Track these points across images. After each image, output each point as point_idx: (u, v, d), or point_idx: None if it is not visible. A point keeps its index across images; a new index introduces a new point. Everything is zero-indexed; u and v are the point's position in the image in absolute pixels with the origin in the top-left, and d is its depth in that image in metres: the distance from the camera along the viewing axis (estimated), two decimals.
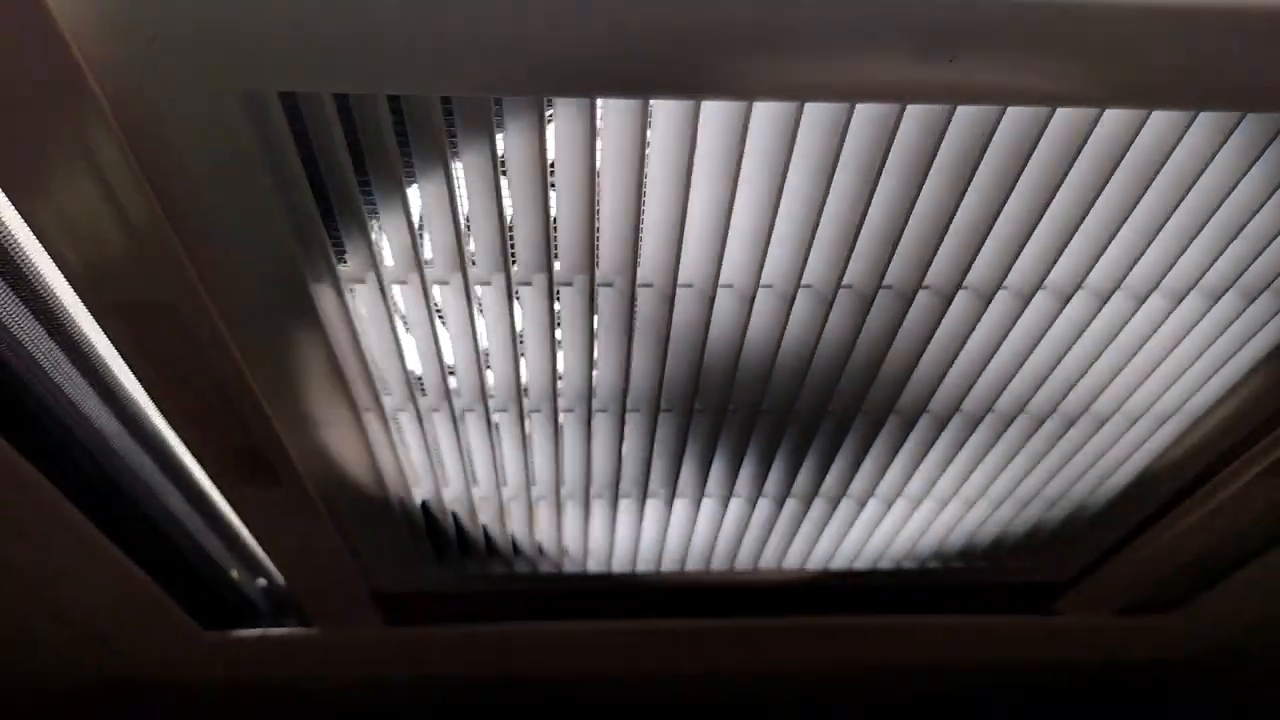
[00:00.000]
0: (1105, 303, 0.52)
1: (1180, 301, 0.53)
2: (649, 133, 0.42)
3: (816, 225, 0.46)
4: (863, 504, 0.73)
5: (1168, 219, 0.47)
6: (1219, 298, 0.53)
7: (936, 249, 0.48)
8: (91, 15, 0.33)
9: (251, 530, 0.69)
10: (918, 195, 0.45)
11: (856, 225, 0.46)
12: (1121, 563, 0.83)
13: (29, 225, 0.42)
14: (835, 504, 0.73)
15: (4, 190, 0.40)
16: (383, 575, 0.79)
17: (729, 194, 0.44)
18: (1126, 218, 0.47)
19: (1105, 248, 0.48)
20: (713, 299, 0.50)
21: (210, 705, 0.96)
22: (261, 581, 0.86)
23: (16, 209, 0.41)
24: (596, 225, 0.46)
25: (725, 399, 0.60)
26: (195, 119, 0.38)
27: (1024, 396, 0.61)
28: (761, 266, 0.48)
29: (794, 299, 0.51)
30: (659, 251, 0.48)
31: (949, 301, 0.51)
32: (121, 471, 0.65)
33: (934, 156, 0.42)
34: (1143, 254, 0.49)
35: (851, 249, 0.47)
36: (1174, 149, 0.43)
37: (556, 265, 0.48)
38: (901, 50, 0.36)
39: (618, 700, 1.03)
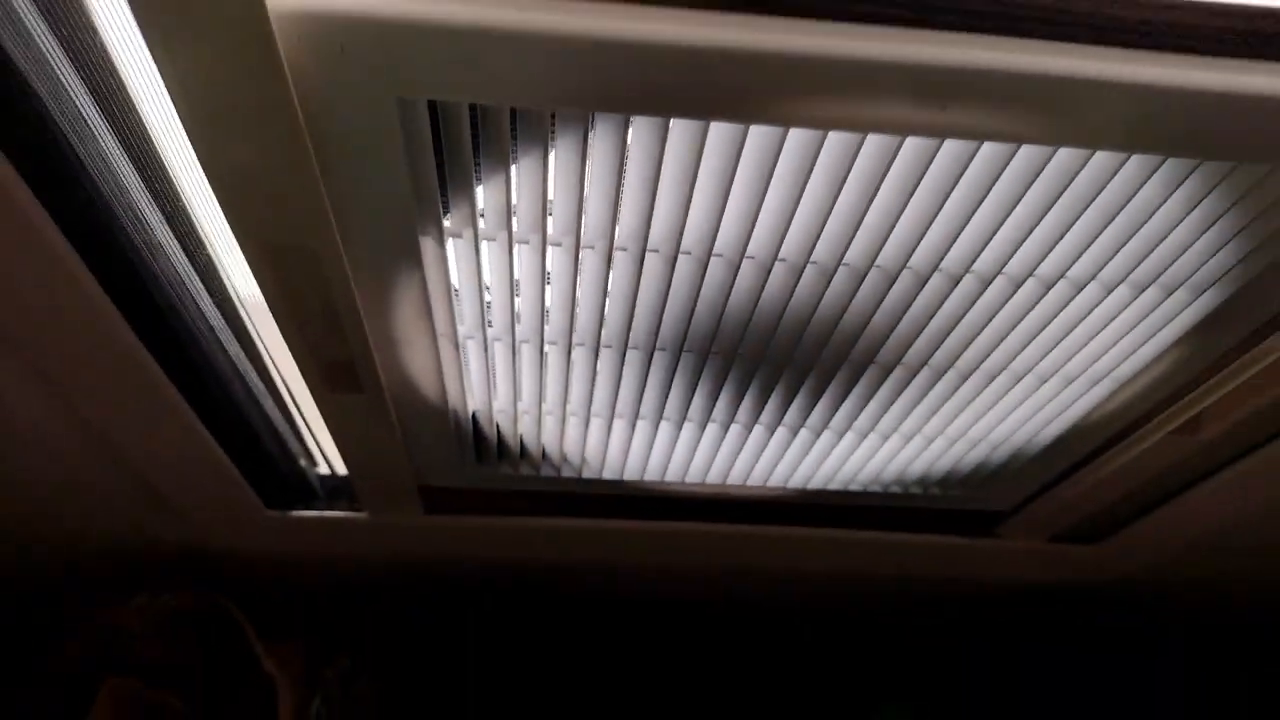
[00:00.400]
0: (1050, 288, 0.65)
1: (1111, 291, 0.65)
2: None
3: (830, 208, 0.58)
4: (840, 435, 0.87)
5: (1104, 227, 0.59)
6: (1143, 290, 0.65)
7: (950, 237, 0.60)
8: (301, 25, 0.44)
9: (330, 427, 0.81)
10: (912, 196, 0.57)
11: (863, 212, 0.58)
12: (1054, 498, 0.97)
13: (207, 172, 0.53)
14: (817, 434, 0.87)
15: (194, 140, 0.51)
16: (430, 471, 0.93)
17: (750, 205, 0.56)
18: (1072, 224, 0.59)
19: (1055, 243, 0.61)
20: (737, 267, 0.63)
21: (267, 576, 1.10)
22: (321, 469, 0.99)
23: (201, 158, 0.52)
24: (652, 209, 0.58)
25: (734, 347, 0.73)
26: (358, 110, 0.49)
27: (980, 356, 0.74)
28: (781, 241, 0.61)
29: (802, 270, 0.63)
30: (693, 225, 0.60)
31: (924, 281, 0.64)
32: (217, 358, 0.77)
33: (926, 168, 0.55)
34: (1084, 251, 0.62)
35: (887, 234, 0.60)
36: (1111, 180, 0.55)
37: (616, 234, 0.60)
38: (905, 101, 0.48)
39: (621, 589, 1.18)
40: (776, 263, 0.63)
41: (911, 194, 0.57)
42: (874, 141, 0.53)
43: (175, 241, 0.66)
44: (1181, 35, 0.47)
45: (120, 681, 1.10)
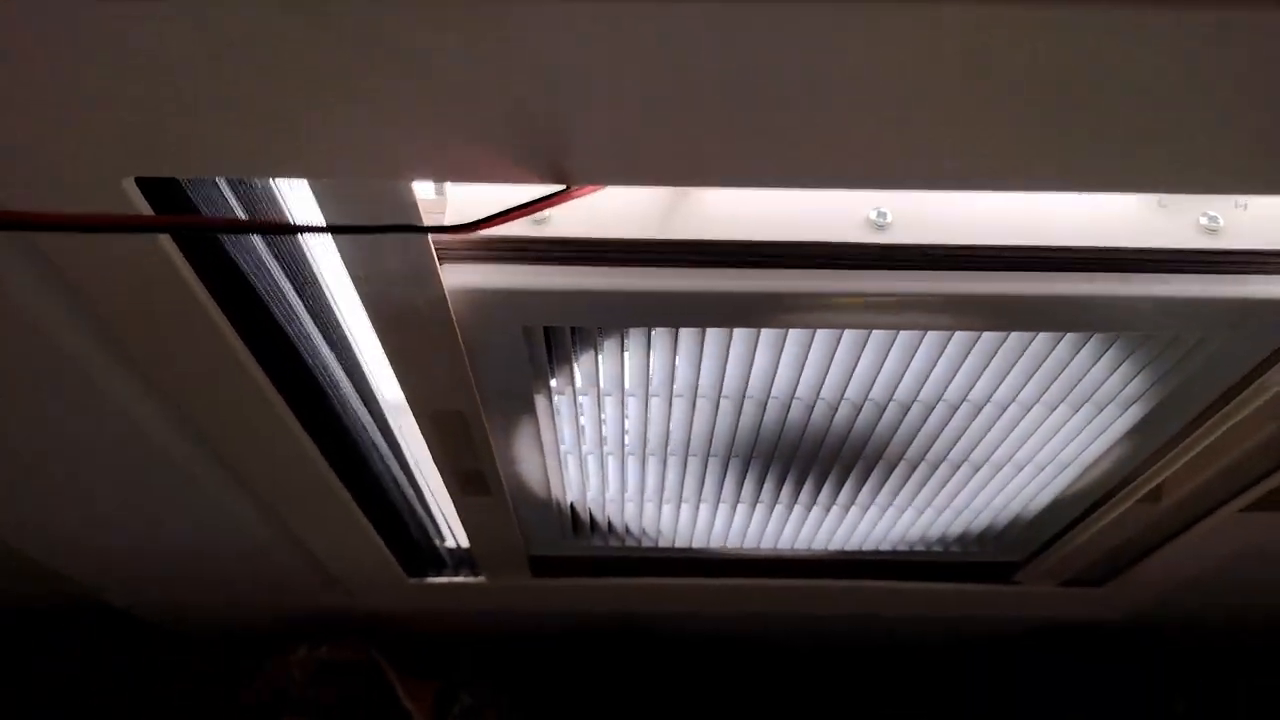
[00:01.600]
0: (1004, 410, 0.85)
1: (1054, 409, 0.86)
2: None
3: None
4: (864, 510, 1.08)
5: (1037, 369, 0.80)
6: (1079, 408, 0.85)
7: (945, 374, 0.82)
8: (466, 295, 0.68)
9: (462, 519, 1.06)
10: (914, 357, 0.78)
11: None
12: (1057, 550, 1.16)
13: (394, 367, 0.77)
14: (846, 509, 1.08)
15: (392, 361, 0.75)
16: (537, 544, 1.16)
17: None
18: (1013, 366, 0.80)
19: (1003, 379, 0.82)
20: (764, 404, 0.85)
21: (407, 632, 1.35)
22: (449, 543, 1.24)
23: (391, 362, 0.76)
24: (699, 371, 0.80)
25: (771, 452, 0.95)
26: (498, 333, 0.73)
27: (967, 453, 0.94)
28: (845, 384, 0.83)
29: (813, 405, 0.85)
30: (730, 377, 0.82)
31: (906, 408, 0.85)
32: (377, 464, 1.02)
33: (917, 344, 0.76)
34: (1026, 383, 0.82)
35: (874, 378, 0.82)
36: (1032, 343, 0.76)
37: (675, 386, 0.83)
38: (864, 313, 0.70)
39: (688, 634, 1.40)
40: (794, 400, 0.85)
41: (885, 356, 0.78)
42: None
43: (359, 399, 0.91)
44: (1069, 262, 0.68)
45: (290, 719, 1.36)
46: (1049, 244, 0.66)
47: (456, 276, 0.66)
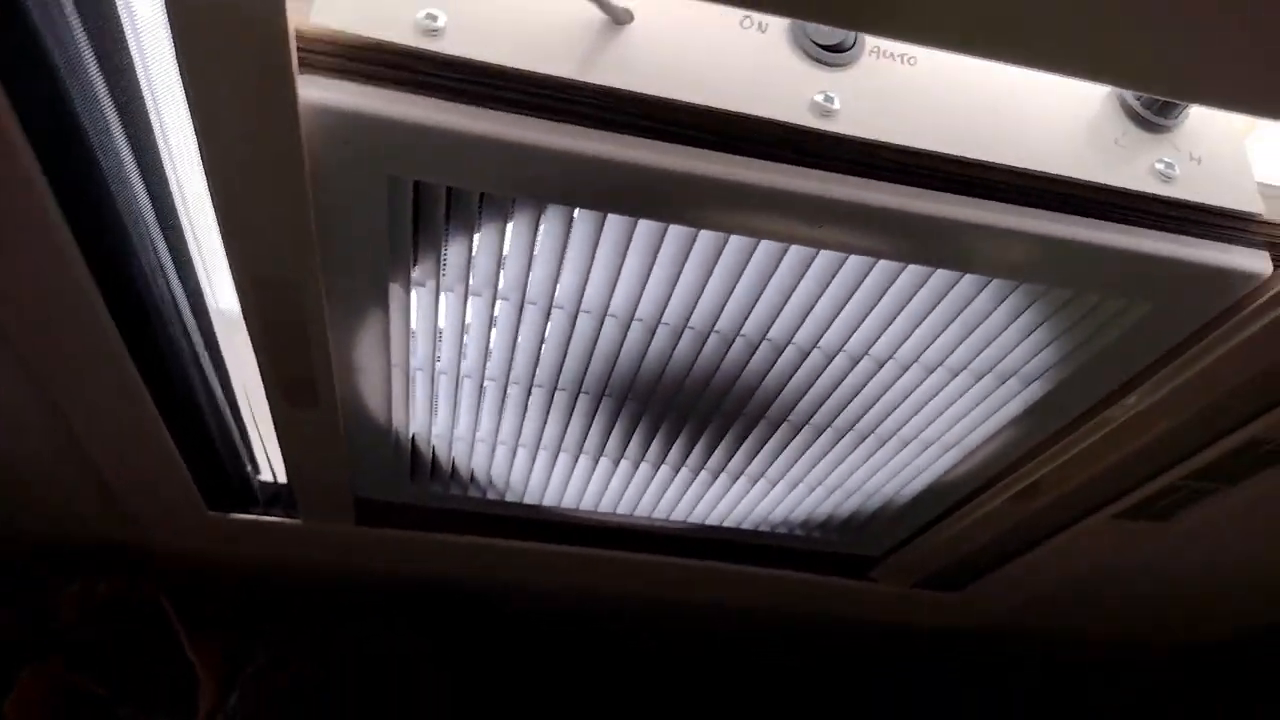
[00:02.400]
0: (906, 369, 0.79)
1: (956, 375, 0.80)
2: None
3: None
4: (733, 479, 1.00)
5: (948, 324, 0.74)
6: (981, 377, 0.80)
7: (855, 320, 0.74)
8: (322, 113, 0.55)
9: (281, 438, 0.91)
10: (797, 286, 0.70)
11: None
12: (917, 547, 1.11)
13: (215, 204, 0.63)
14: (714, 476, 1.00)
15: (209, 174, 0.61)
16: (366, 485, 1.02)
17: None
18: (923, 319, 0.73)
19: (910, 333, 0.75)
20: (653, 331, 0.75)
21: (201, 575, 1.18)
22: (264, 477, 1.08)
23: (213, 190, 0.62)
24: (586, 279, 0.70)
25: (647, 396, 0.85)
26: (356, 180, 0.60)
27: (851, 420, 0.87)
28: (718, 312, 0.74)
29: (707, 337, 0.76)
30: (619, 294, 0.72)
31: (805, 355, 0.78)
32: (188, 364, 0.86)
33: (808, 266, 0.68)
34: (932, 342, 0.76)
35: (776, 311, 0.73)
36: (953, 288, 0.69)
37: (555, 295, 0.72)
38: (792, 220, 0.62)
39: (528, 606, 1.28)
40: (686, 329, 0.76)
41: (795, 285, 0.70)
42: (766, 244, 0.66)
43: (170, 257, 0.75)
44: (1018, 191, 0.62)
45: (41, 665, 1.16)
46: (998, 161, 0.60)
47: (317, 91, 0.54)
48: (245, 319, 0.74)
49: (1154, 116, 0.63)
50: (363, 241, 0.66)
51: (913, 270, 0.68)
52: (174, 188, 0.71)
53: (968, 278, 0.68)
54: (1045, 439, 0.89)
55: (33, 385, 0.83)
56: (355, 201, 0.62)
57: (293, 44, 0.51)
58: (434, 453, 0.98)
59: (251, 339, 0.76)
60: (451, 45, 0.53)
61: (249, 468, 1.05)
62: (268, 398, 0.85)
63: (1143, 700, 1.46)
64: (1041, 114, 0.62)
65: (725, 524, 1.10)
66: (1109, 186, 0.61)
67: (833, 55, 0.58)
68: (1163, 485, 0.92)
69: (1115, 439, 0.85)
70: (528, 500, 1.06)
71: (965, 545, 1.09)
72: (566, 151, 0.57)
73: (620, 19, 0.56)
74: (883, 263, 0.67)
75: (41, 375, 0.81)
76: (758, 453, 0.94)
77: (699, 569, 1.16)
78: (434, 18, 0.53)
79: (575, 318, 0.75)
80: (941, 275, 0.68)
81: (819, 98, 0.57)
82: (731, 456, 0.96)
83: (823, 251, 0.66)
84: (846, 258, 0.67)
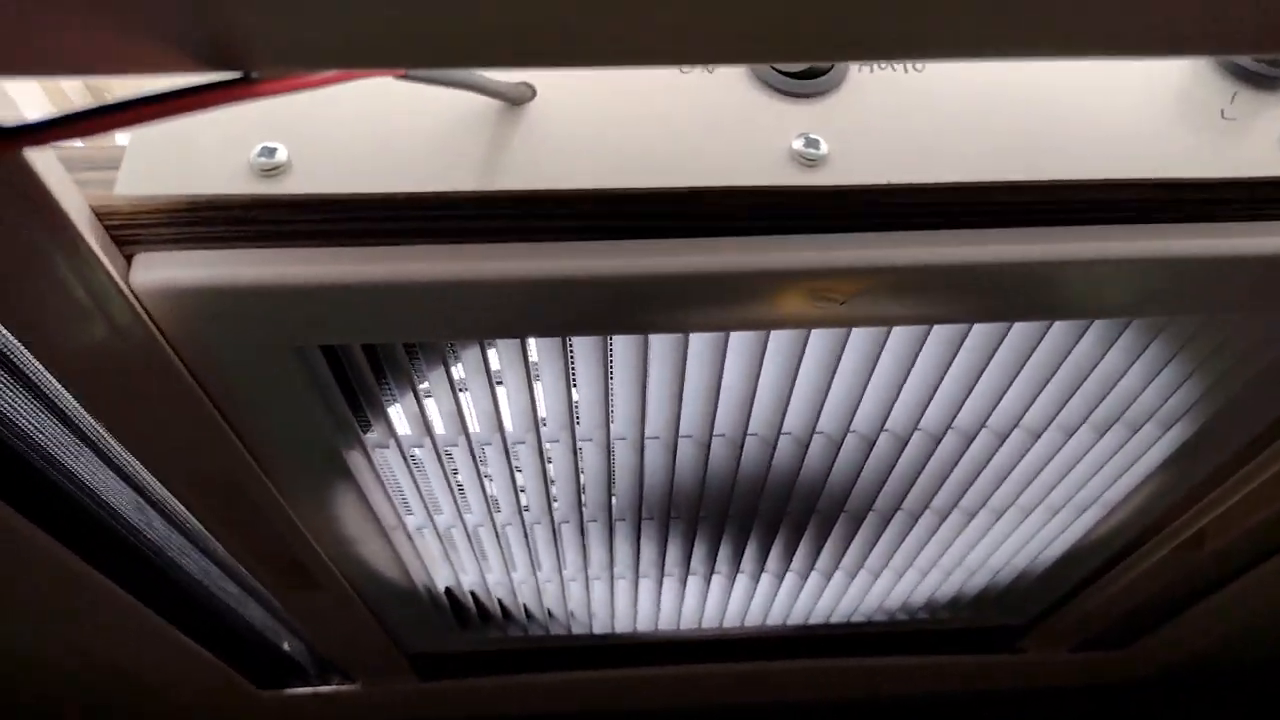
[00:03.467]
0: (1004, 438, 0.62)
1: (1072, 434, 0.62)
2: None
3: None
4: (827, 577, 0.84)
5: (1048, 380, 0.57)
6: (1105, 431, 0.62)
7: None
8: (169, 300, 0.44)
9: (299, 621, 0.80)
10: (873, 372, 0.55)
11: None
12: (1071, 611, 0.92)
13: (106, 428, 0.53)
14: (804, 577, 0.84)
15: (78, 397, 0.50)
16: (416, 641, 0.91)
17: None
18: (1013, 380, 0.56)
19: (999, 398, 0.58)
20: (708, 445, 0.61)
21: None
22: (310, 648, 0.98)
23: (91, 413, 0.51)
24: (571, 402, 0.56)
25: (711, 507, 0.70)
26: (245, 362, 0.48)
27: (954, 498, 0.71)
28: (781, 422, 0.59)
29: (808, 443, 0.61)
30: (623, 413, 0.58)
31: (905, 443, 0.62)
32: (180, 570, 0.77)
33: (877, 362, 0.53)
34: (1031, 403, 0.59)
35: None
36: (1040, 341, 0.53)
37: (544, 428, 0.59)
38: (803, 302, 0.47)
39: None
40: (747, 437, 0.61)
41: (842, 366, 0.54)
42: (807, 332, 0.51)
43: (125, 484, 0.66)
44: (1096, 208, 0.45)
45: None
46: (1060, 178, 0.43)
47: (147, 272, 0.42)
48: (202, 523, 0.63)
49: (1273, 68, 0.46)
50: (292, 421, 0.54)
51: (986, 327, 0.52)
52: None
53: (1059, 324, 0.52)
54: (1202, 482, 0.70)
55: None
56: (259, 381, 0.50)
57: (89, 223, 0.39)
58: (474, 600, 0.85)
59: (219, 541, 0.66)
60: (302, 182, 0.41)
61: (287, 644, 0.95)
62: (267, 587, 0.74)
63: None
64: (1106, 100, 0.45)
65: (833, 620, 0.94)
66: (1224, 179, 0.44)
67: (808, 84, 0.43)
68: None
69: None
70: (596, 629, 0.92)
71: (1125, 602, 0.90)
72: (483, 280, 0.43)
73: (518, 99, 0.43)
74: (946, 327, 0.51)
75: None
76: (848, 546, 0.78)
77: (807, 669, 0.99)
78: (271, 152, 0.41)
79: (576, 447, 0.61)
80: (1024, 327, 0.52)
81: (798, 144, 0.42)
82: (818, 554, 0.80)
83: (861, 329, 0.51)
84: (888, 330, 0.51)
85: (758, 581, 0.84)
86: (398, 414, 0.57)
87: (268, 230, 0.42)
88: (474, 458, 0.61)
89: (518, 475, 0.65)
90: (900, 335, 0.52)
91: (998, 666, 1.03)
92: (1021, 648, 1.01)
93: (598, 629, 0.92)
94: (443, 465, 0.62)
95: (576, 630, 0.92)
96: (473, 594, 0.84)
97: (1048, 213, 0.45)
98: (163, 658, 0.85)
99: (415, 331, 0.47)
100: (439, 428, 0.59)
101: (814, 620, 0.93)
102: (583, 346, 0.52)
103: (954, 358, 0.53)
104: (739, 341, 0.52)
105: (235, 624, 0.87)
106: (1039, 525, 0.76)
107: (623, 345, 0.52)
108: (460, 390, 0.55)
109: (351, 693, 0.98)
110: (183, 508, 0.71)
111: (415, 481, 0.63)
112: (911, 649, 1.00)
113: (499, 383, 0.55)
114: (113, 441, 0.60)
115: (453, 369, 0.53)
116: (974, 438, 0.62)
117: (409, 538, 0.71)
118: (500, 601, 0.87)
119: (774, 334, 0.51)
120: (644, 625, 0.92)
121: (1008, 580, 0.87)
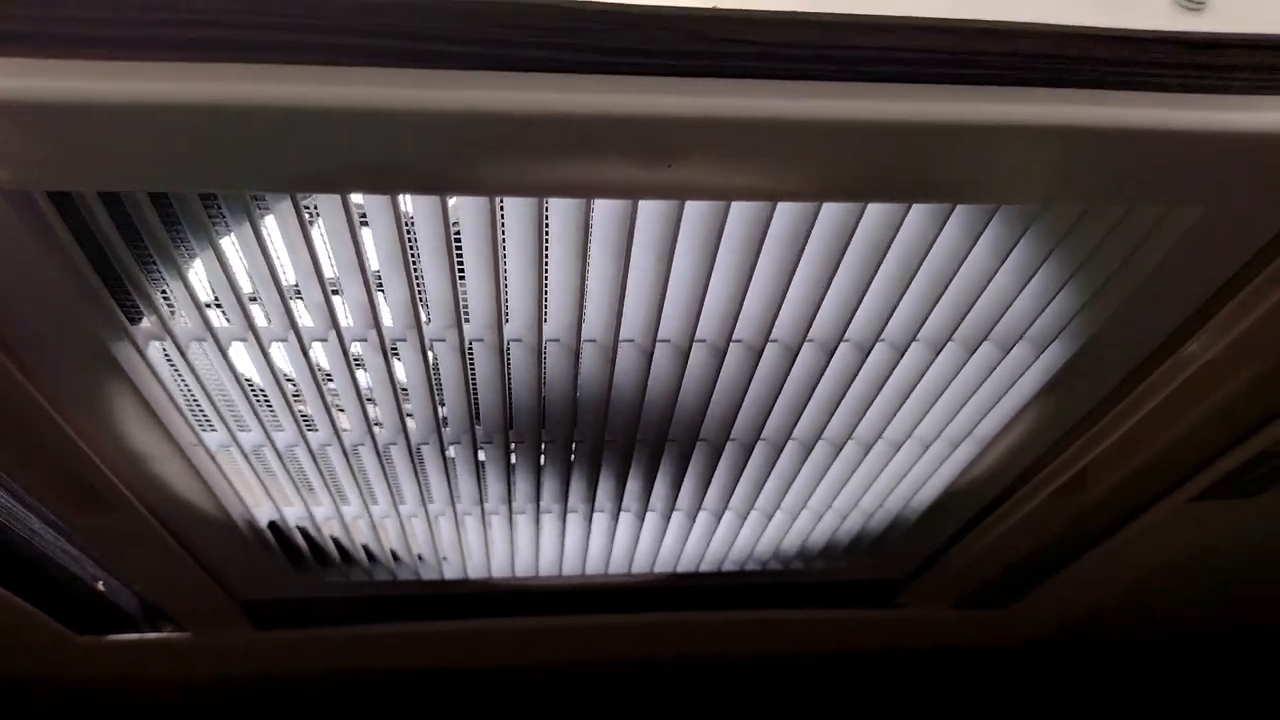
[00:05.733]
0: (868, 352, 0.56)
1: (939, 351, 0.57)
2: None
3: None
4: (690, 517, 0.78)
5: (907, 284, 0.51)
6: (974, 348, 0.57)
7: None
8: None
9: (92, 549, 0.71)
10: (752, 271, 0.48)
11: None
12: (948, 563, 0.88)
13: None
14: (665, 518, 0.78)
15: None
16: (245, 585, 0.83)
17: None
18: (869, 282, 0.51)
19: (857, 304, 0.53)
20: (536, 350, 0.54)
21: (90, 705, 0.99)
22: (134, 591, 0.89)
23: None
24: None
25: (561, 424, 0.64)
26: None
27: (818, 425, 0.65)
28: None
29: (651, 353, 0.55)
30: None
31: (759, 355, 0.56)
32: None
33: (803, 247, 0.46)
34: (892, 311, 0.53)
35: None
36: (897, 232, 0.47)
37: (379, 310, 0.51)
38: (625, 159, 0.40)
39: (474, 693, 1.07)
40: (585, 344, 0.54)
41: (712, 264, 0.48)
42: (612, 206, 0.44)
43: None
44: (939, 64, 0.39)
45: None
46: (917, 14, 0.37)
47: None
48: None
49: None
50: (34, 293, 0.45)
51: (827, 212, 0.46)
52: None
53: (915, 210, 0.46)
54: (1084, 416, 0.65)
55: None
56: None
57: None
58: (306, 537, 0.77)
59: None
60: None
61: (101, 584, 0.85)
62: (52, 511, 0.66)
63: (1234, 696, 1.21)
64: None
65: (702, 568, 0.88)
66: (1108, 32, 0.38)
67: None
68: (1250, 454, 0.68)
69: (1178, 403, 0.61)
70: (448, 574, 0.85)
71: (1007, 554, 0.86)
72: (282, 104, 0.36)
73: None
74: (783, 210, 0.45)
75: None
76: (710, 478, 0.72)
77: (676, 621, 0.94)
78: None
79: (427, 346, 0.53)
80: (875, 212, 0.46)
81: None
82: (679, 488, 0.74)
83: (689, 210, 0.44)
84: (726, 209, 0.45)
85: (617, 520, 0.78)
86: (166, 291, 0.49)
87: None
88: (263, 352, 0.53)
89: (327, 385, 0.57)
90: (740, 218, 0.45)
91: (876, 621, 0.99)
92: (900, 603, 0.97)
93: (448, 574, 0.85)
94: (232, 366, 0.54)
95: (426, 576, 0.85)
96: (301, 530, 0.76)
97: (908, 65, 0.39)
98: None
99: (186, 179, 0.39)
100: (223, 318, 0.51)
101: (681, 568, 0.88)
102: (425, 228, 0.45)
103: (802, 249, 0.47)
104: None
105: (46, 565, 0.77)
106: (910, 461, 0.71)
107: (471, 229, 0.45)
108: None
109: (181, 640, 0.90)
110: None
111: (204, 386, 0.55)
112: (787, 602, 0.95)
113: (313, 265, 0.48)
114: None
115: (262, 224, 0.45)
116: (834, 350, 0.56)
117: (212, 458, 0.63)
118: (336, 541, 0.79)
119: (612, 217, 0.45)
120: (499, 571, 0.86)
121: (881, 527, 0.82)
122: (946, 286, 0.51)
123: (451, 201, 0.45)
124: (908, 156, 0.41)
